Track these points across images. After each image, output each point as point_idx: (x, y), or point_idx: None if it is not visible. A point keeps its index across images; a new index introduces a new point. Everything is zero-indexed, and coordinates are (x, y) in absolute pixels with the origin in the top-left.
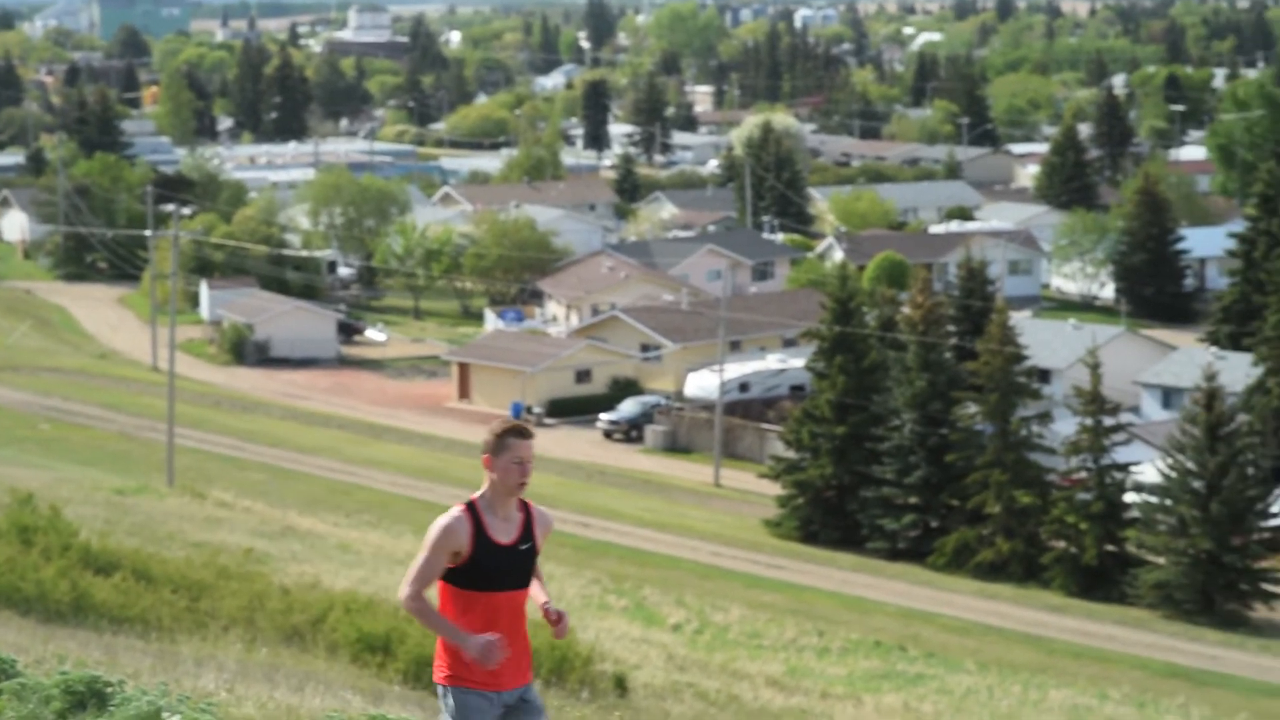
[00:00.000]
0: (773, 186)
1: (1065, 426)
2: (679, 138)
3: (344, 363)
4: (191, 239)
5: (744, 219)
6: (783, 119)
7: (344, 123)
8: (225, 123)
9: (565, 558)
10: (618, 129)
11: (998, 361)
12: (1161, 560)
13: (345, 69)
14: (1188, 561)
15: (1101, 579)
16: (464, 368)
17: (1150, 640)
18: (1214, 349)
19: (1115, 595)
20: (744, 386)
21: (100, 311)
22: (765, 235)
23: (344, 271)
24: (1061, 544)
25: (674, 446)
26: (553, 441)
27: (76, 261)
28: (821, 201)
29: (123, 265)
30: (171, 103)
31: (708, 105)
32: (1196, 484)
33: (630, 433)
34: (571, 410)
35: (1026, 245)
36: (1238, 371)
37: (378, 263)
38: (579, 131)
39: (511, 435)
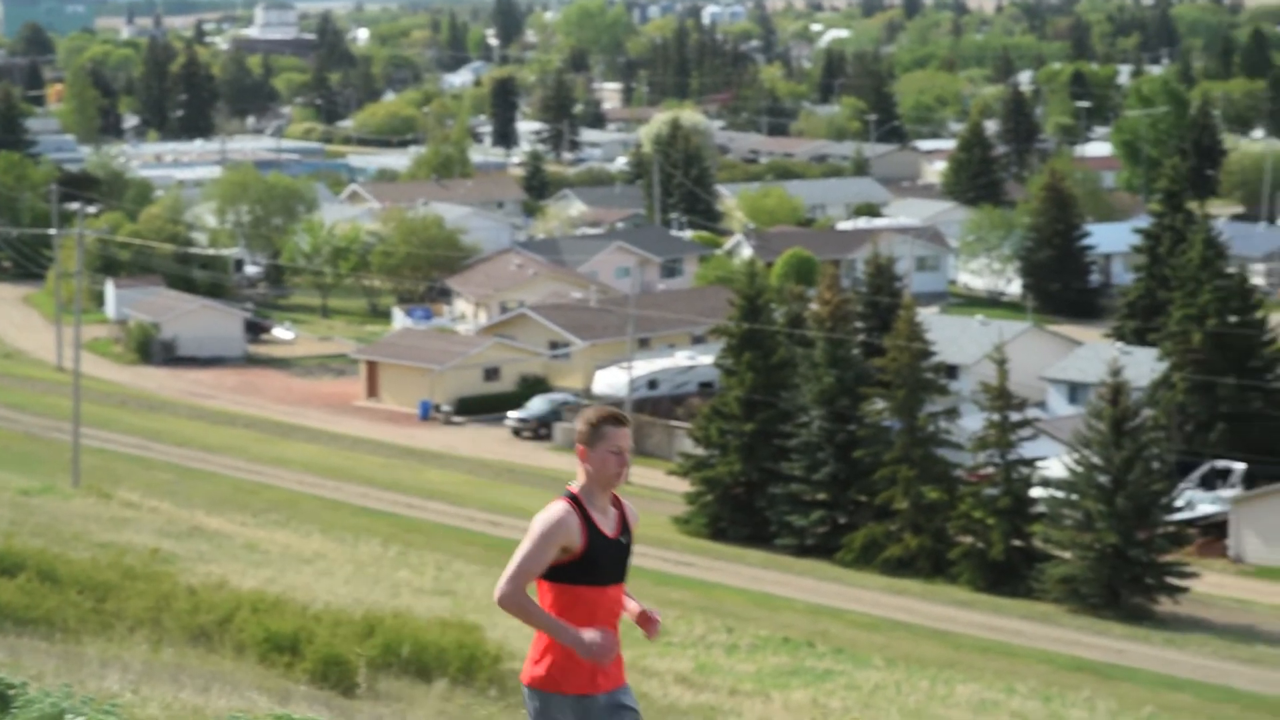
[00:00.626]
0: (681, 184)
1: (972, 422)
2: (587, 135)
3: (251, 361)
4: (97, 237)
5: (652, 216)
6: (691, 116)
7: (251, 120)
8: (131, 121)
9: (475, 556)
10: (526, 126)
11: (905, 358)
12: (1067, 555)
13: (252, 66)
14: (1093, 556)
15: (1008, 574)
16: (372, 366)
17: (1056, 634)
18: (1119, 344)
19: (1022, 590)
20: (652, 384)
21: (4, 311)
22: (673, 232)
23: (251, 270)
24: (968, 539)
25: None
26: (461, 440)
27: None
28: (730, 198)
29: (27, 264)
30: (76, 100)
31: (616, 102)
32: (1102, 479)
33: (539, 430)
34: (480, 408)
35: (934, 242)
36: (1143, 366)
37: (285, 261)
38: (487, 129)
39: (608, 423)
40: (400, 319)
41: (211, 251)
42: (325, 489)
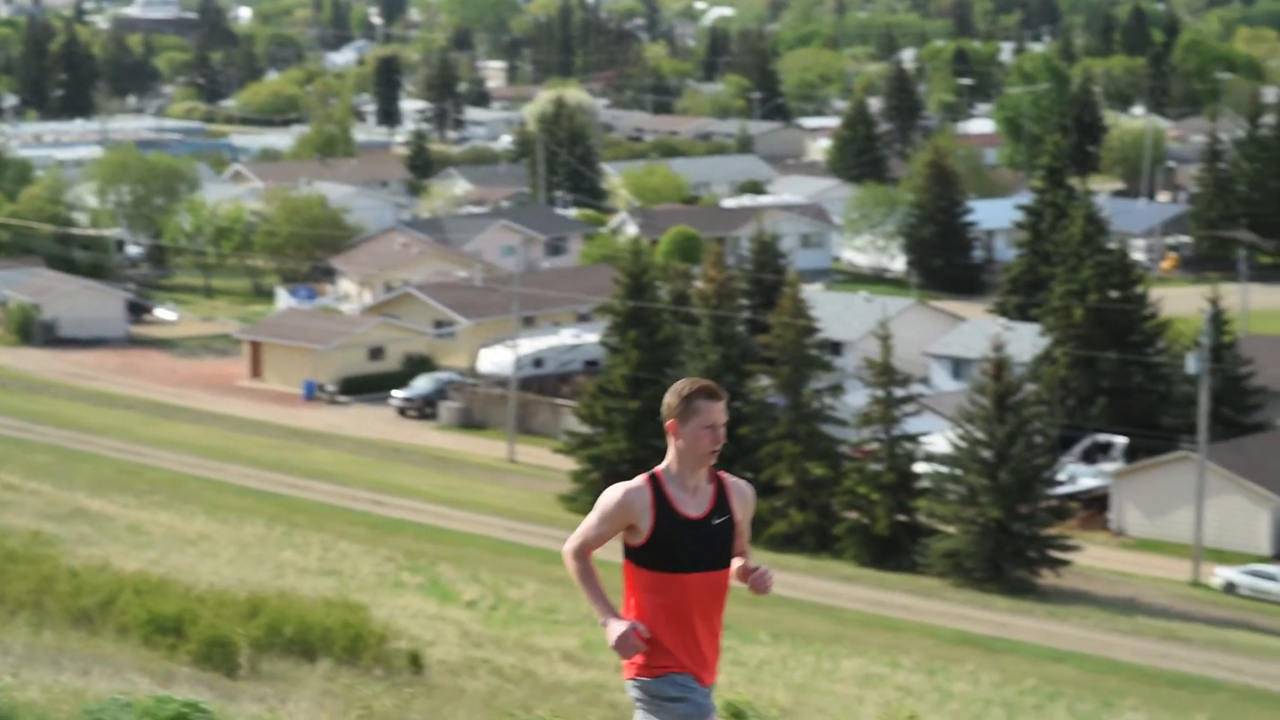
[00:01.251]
0: (566, 162)
1: (856, 398)
2: (472, 114)
3: (133, 342)
4: None
5: (537, 195)
6: (575, 94)
7: (131, 100)
8: (9, 100)
9: (359, 536)
10: (410, 105)
11: (789, 334)
12: (951, 529)
13: (133, 46)
14: (977, 530)
15: (893, 549)
16: (256, 346)
17: (940, 608)
18: (1002, 320)
19: (906, 564)
20: (538, 362)
21: None
22: (558, 211)
23: (132, 250)
24: (853, 515)
25: (468, 423)
26: (346, 419)
27: None
28: (614, 176)
29: None
30: None
31: (500, 81)
32: (985, 453)
33: (424, 410)
34: (365, 388)
35: (818, 219)
36: (1025, 342)
37: (167, 241)
38: (371, 108)
39: (700, 397)
40: (284, 299)
41: (92, 232)
42: (209, 470)
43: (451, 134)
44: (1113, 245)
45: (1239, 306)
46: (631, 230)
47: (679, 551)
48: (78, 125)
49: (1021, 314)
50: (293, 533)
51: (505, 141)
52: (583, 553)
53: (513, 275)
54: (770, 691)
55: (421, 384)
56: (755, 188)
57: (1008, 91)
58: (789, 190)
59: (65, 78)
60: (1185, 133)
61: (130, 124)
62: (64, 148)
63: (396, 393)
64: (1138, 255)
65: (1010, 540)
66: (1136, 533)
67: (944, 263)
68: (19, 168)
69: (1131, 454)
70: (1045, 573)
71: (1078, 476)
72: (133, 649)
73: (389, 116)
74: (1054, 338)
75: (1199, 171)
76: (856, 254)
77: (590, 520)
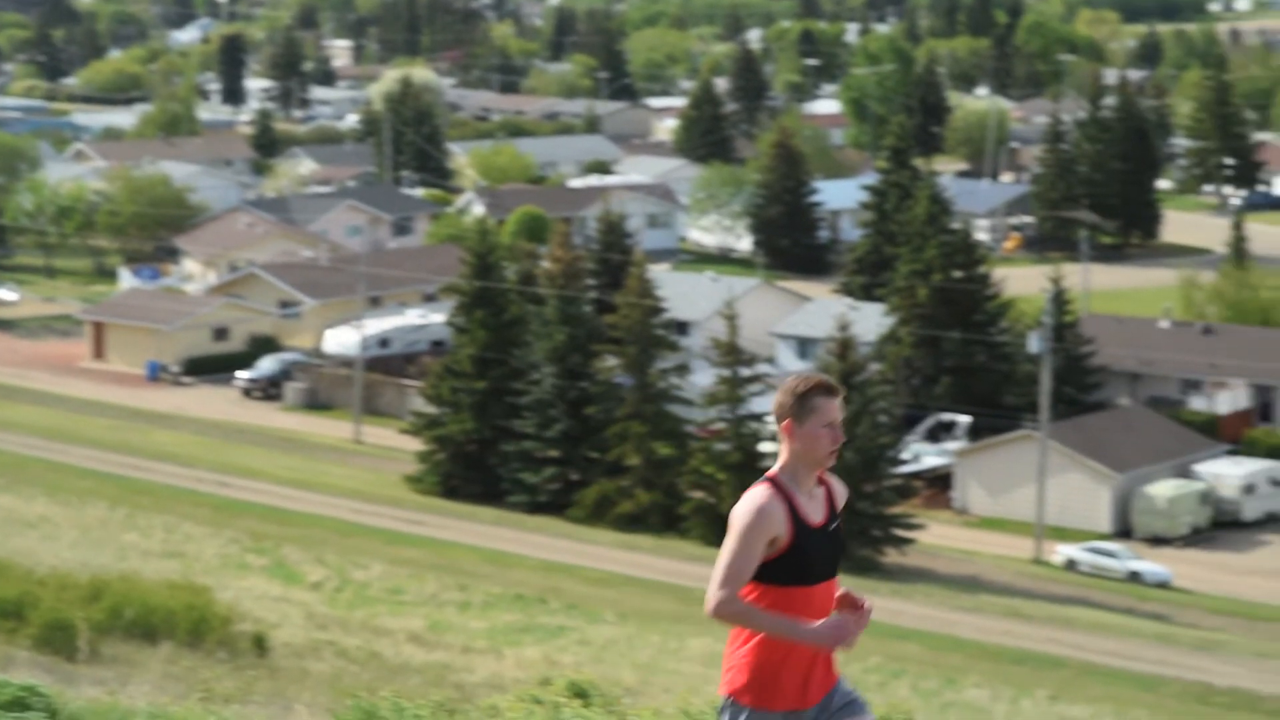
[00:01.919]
0: (412, 141)
1: (703, 378)
2: (317, 93)
3: None
4: None
5: (383, 174)
6: (422, 74)
7: None
8: None
9: (203, 518)
10: (255, 84)
11: (636, 314)
12: None
13: None
14: None
15: None
16: (98, 327)
17: None
18: (847, 300)
19: None
20: (384, 342)
21: None
22: (405, 190)
23: None
24: (700, 494)
25: (314, 404)
26: (190, 400)
27: None
28: (461, 156)
29: None
30: None
31: (346, 60)
32: None
33: (269, 390)
34: (209, 368)
35: (664, 199)
36: (870, 321)
37: (8, 220)
38: (215, 87)
39: (817, 394)
40: (127, 279)
41: None
42: (50, 451)
43: (297, 113)
44: (956, 225)
45: (1080, 286)
46: (478, 210)
47: (810, 562)
48: None
49: (866, 294)
50: (136, 515)
51: (351, 121)
52: (736, 596)
53: (359, 255)
54: (616, 671)
55: (266, 364)
56: (602, 168)
57: (853, 72)
58: (636, 170)
59: None
60: (1028, 114)
61: None
62: None
63: (241, 373)
64: (981, 235)
65: (854, 519)
66: (979, 511)
67: (790, 243)
68: None
69: (975, 433)
70: (889, 551)
71: (922, 455)
72: None
73: (234, 95)
74: (898, 317)
75: (1042, 152)
76: (703, 234)
77: (733, 551)
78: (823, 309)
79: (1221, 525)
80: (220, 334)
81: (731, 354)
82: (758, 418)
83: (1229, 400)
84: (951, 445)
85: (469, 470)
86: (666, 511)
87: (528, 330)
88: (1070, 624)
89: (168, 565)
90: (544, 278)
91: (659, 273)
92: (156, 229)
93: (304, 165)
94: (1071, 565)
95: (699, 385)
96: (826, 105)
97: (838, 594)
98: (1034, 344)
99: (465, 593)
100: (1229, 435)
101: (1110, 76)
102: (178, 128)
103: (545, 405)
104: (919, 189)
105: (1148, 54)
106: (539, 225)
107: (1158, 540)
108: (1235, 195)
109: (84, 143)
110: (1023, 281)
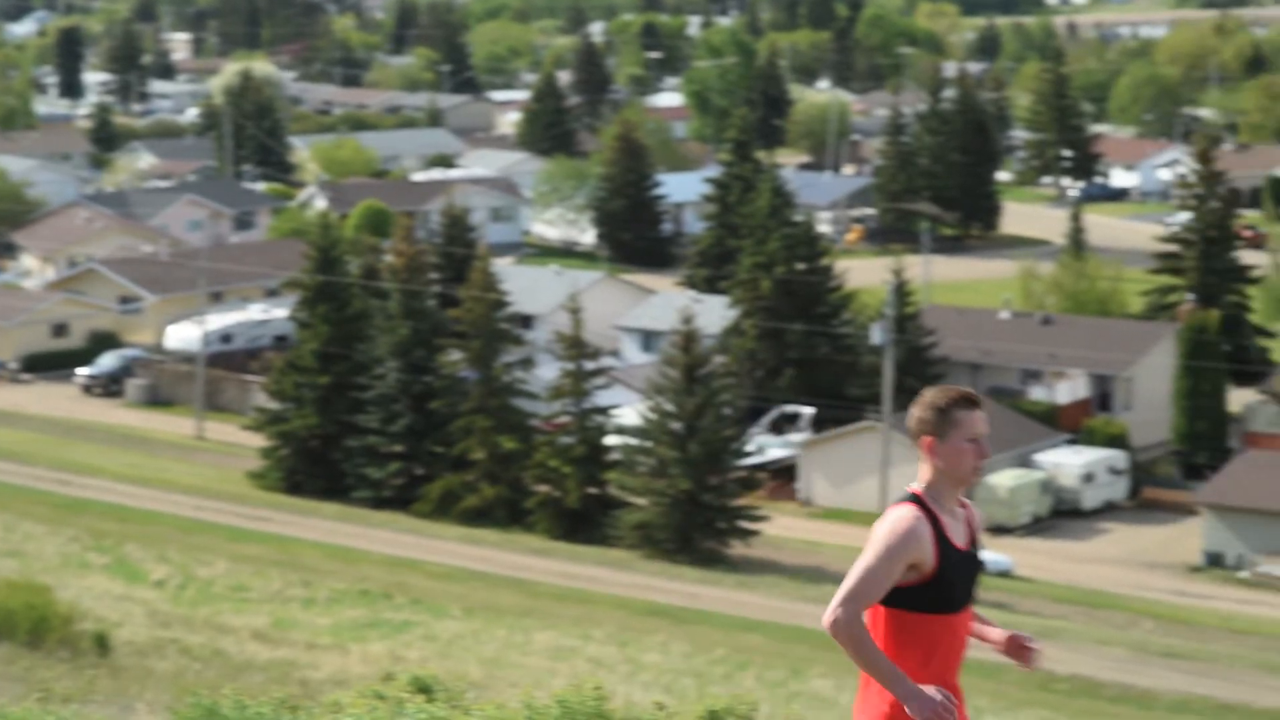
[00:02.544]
0: (253, 135)
1: (548, 372)
2: (157, 86)
3: None
4: None
5: (224, 168)
6: (263, 67)
7: None
8: None
9: (43, 516)
10: (93, 77)
11: (480, 308)
12: (642, 501)
13: None
14: (667, 502)
15: (584, 521)
16: None
17: (632, 580)
18: (691, 292)
19: (598, 537)
20: (226, 338)
21: None
22: (246, 185)
23: None
24: (545, 488)
25: (155, 400)
26: (29, 398)
27: None
28: (303, 150)
29: None
30: None
31: (186, 53)
32: (675, 425)
33: (110, 387)
34: (48, 365)
35: (508, 192)
36: (714, 314)
37: None
38: (52, 80)
39: (960, 407)
40: None
41: None
42: None
43: (136, 107)
44: (799, 218)
45: (922, 278)
46: (320, 204)
47: (954, 589)
48: None
49: (710, 286)
50: None
51: (191, 115)
52: (860, 616)
53: (200, 250)
54: (462, 666)
55: (107, 361)
56: (445, 161)
57: (695, 65)
58: (479, 164)
59: None
60: (869, 106)
61: None
62: None
63: (81, 370)
64: (824, 228)
65: (700, 511)
66: (824, 502)
67: (633, 236)
68: None
69: (818, 424)
70: (735, 543)
71: (766, 447)
72: None
73: (71, 89)
74: (742, 310)
75: (883, 145)
76: (547, 227)
77: (868, 568)
78: (666, 302)
79: (1062, 514)
80: (59, 330)
81: (576, 347)
82: (602, 411)
83: (1068, 390)
84: (795, 437)
85: (313, 466)
86: (512, 505)
87: (371, 325)
88: None
89: (7, 564)
90: (387, 272)
91: (503, 266)
92: None
93: (143, 159)
94: None
95: (543, 379)
96: (669, 98)
97: (1008, 635)
98: (876, 335)
99: (310, 589)
100: (1068, 425)
101: (950, 69)
102: (14, 122)
103: (389, 400)
104: (761, 182)
105: (986, 47)
106: (382, 219)
107: (999, 529)
108: (1073, 187)
109: None
110: (865, 273)
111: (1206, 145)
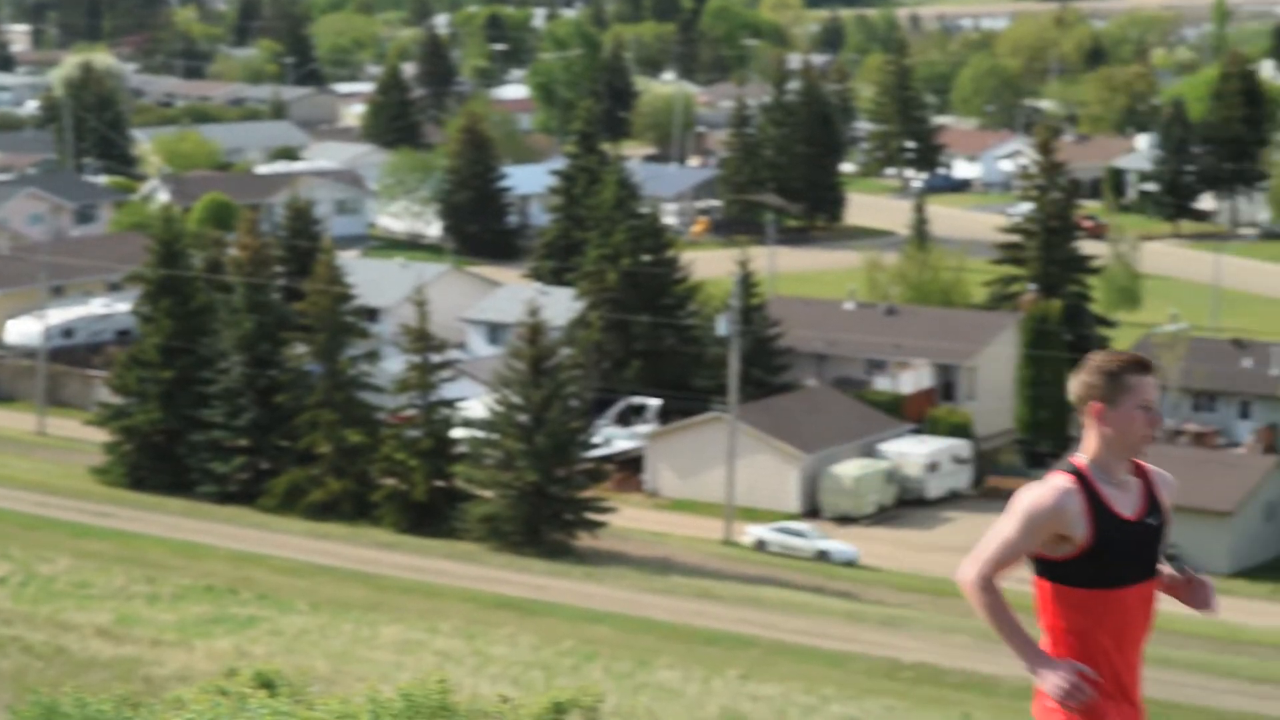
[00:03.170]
0: (95, 128)
1: (394, 364)
2: None
3: None
4: None
5: (65, 161)
6: (103, 59)
7: None
8: None
9: None
10: None
11: (325, 301)
12: (489, 494)
13: None
14: (514, 494)
15: (431, 514)
16: None
17: (479, 573)
18: (537, 284)
19: (445, 530)
20: (68, 333)
21: None
22: (88, 178)
23: None
24: (392, 481)
25: None
26: None
27: None
28: (145, 143)
29: None
30: None
31: (25, 45)
32: (522, 418)
33: None
34: None
35: (353, 185)
36: (560, 306)
37: None
38: None
39: (1131, 372)
40: None
41: None
42: None
43: None
44: (644, 210)
45: (767, 269)
46: (163, 197)
47: (1116, 562)
48: None
49: (556, 278)
50: None
51: (31, 107)
52: (994, 580)
53: (40, 244)
54: (308, 661)
55: None
56: (289, 154)
57: (541, 57)
58: (323, 156)
59: None
60: (714, 98)
61: None
62: None
63: None
64: (669, 219)
65: (547, 503)
66: (670, 493)
67: (479, 228)
68: None
69: (665, 416)
70: (582, 535)
71: (613, 439)
72: None
73: None
74: (588, 302)
75: (728, 137)
76: (392, 220)
77: (1005, 535)
78: (513, 294)
79: (906, 503)
80: None
81: (422, 340)
82: (449, 404)
83: (912, 380)
84: (642, 428)
85: (157, 461)
86: (358, 499)
87: (215, 319)
88: (760, 604)
89: None
90: (231, 265)
91: (348, 259)
92: None
93: None
94: (761, 545)
95: (389, 372)
96: (514, 90)
97: (1192, 580)
98: (722, 327)
99: (154, 585)
100: (913, 414)
101: (794, 61)
102: None
103: (234, 394)
104: (607, 174)
105: (830, 39)
106: (226, 212)
107: (845, 519)
108: (916, 178)
109: None
110: (710, 265)
111: (1047, 136)
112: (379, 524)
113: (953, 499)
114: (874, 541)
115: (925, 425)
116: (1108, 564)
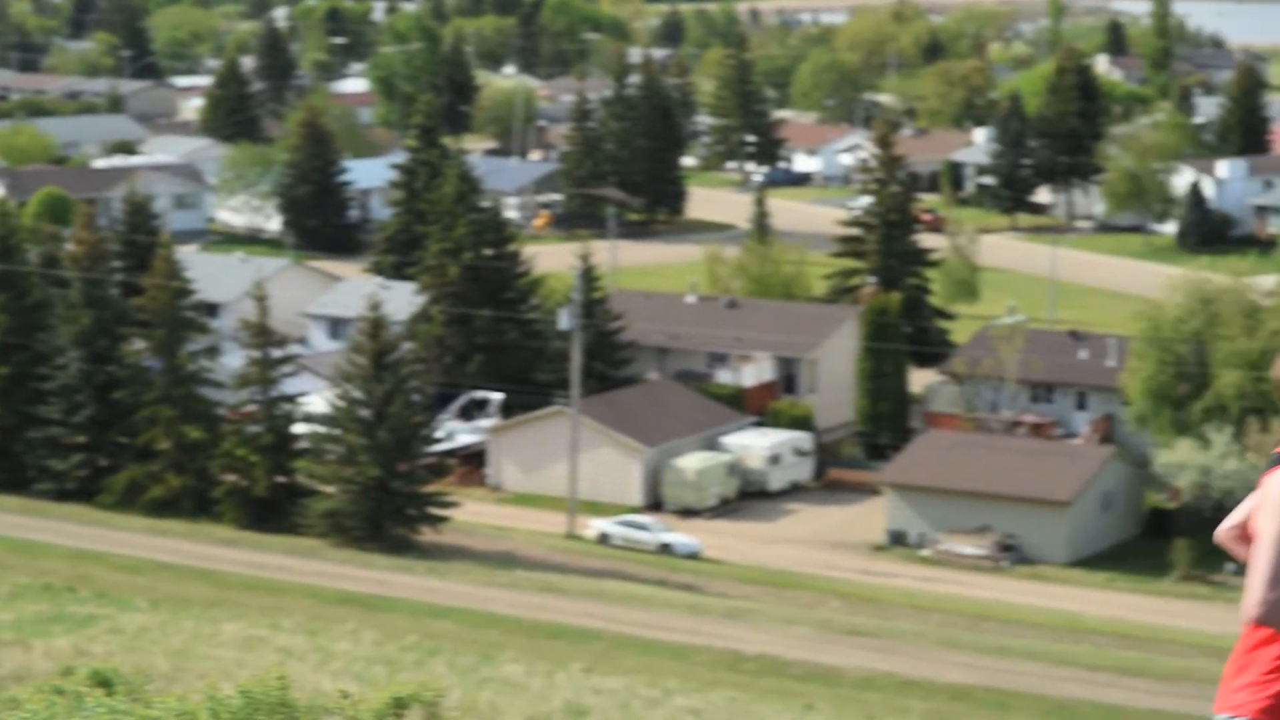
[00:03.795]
0: None
1: (234, 360)
2: None
3: None
4: None
5: None
6: None
7: None
8: None
9: None
10: None
11: (164, 297)
12: (331, 489)
13: None
14: (356, 489)
15: (273, 510)
16: None
17: (321, 569)
18: (378, 279)
19: (286, 526)
20: None
21: None
22: None
23: None
24: (232, 477)
25: None
26: None
27: None
28: None
29: None
30: None
31: None
32: (364, 413)
33: None
34: None
35: (191, 179)
36: (402, 301)
37: None
38: None
39: None
40: None
41: None
42: None
43: None
44: (486, 204)
45: (609, 263)
46: None
47: None
48: None
49: (397, 273)
50: None
51: None
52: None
53: None
54: (149, 659)
55: None
56: (127, 148)
57: (381, 51)
58: (161, 150)
59: None
60: (555, 92)
61: None
62: None
63: None
64: (511, 213)
65: (390, 498)
66: (514, 487)
67: (320, 222)
68: None
69: (507, 410)
70: (425, 530)
71: (455, 433)
72: None
73: None
74: (430, 296)
75: (569, 131)
76: (232, 214)
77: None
78: (354, 288)
79: (749, 495)
80: None
81: (262, 335)
82: (290, 399)
83: (754, 373)
84: (484, 423)
85: None
86: (199, 495)
87: (52, 314)
88: (604, 597)
89: None
90: (68, 260)
91: (187, 254)
92: None
93: None
94: (604, 539)
95: (229, 367)
96: (354, 84)
97: None
98: (564, 321)
99: None
100: (754, 407)
101: (635, 55)
102: None
103: (71, 390)
104: (448, 167)
105: (671, 33)
106: (62, 207)
107: (688, 512)
108: (756, 172)
109: None
110: (552, 259)
111: (886, 130)
112: (220, 520)
113: (794, 491)
114: (716, 534)
115: (767, 418)
116: None
